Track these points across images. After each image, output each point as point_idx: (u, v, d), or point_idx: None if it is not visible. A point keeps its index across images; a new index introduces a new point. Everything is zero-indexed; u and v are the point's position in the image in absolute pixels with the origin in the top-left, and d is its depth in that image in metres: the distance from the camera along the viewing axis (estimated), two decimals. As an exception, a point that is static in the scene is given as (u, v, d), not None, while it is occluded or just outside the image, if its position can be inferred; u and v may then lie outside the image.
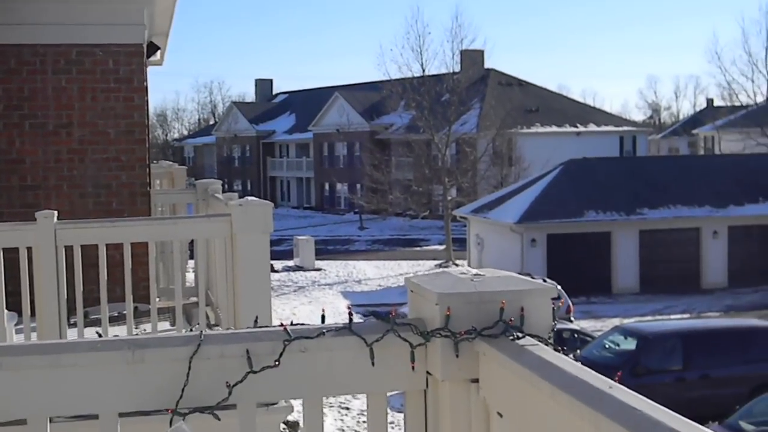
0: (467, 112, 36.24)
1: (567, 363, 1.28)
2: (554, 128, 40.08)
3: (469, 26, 56.07)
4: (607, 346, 13.52)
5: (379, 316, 1.55)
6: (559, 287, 16.03)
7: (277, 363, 1.47)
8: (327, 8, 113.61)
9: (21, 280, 3.90)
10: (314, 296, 23.60)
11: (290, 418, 4.55)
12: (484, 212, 25.66)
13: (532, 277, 1.78)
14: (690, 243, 24.64)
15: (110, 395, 1.46)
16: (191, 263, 6.19)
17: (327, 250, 32.45)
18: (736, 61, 64.35)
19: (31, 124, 5.80)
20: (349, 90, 48.64)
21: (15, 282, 3.95)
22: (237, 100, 63.83)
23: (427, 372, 1.54)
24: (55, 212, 3.95)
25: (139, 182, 5.94)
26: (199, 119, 72.71)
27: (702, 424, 1.15)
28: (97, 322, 4.12)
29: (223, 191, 5.96)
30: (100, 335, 3.59)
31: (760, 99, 39.42)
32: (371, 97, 44.62)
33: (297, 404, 2.97)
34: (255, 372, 1.46)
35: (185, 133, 71.05)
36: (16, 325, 4.16)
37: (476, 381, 1.49)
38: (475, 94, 38.34)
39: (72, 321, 4.07)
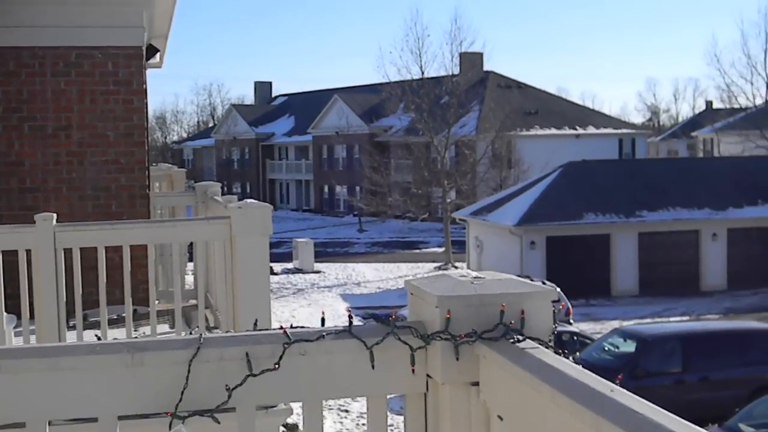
0: (466, 115, 36.30)
1: (568, 366, 1.27)
2: (553, 131, 40.12)
3: (469, 29, 56.18)
4: (606, 348, 13.52)
5: (379, 319, 1.55)
6: (558, 290, 16.03)
7: (276, 366, 1.47)
8: (326, 11, 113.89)
9: (20, 282, 3.90)
10: (313, 299, 23.59)
11: (290, 420, 4.54)
12: (484, 215, 25.68)
13: (532, 280, 1.78)
14: (689, 245, 24.65)
15: (109, 398, 1.46)
16: (190, 266, 6.19)
17: (326, 252, 32.44)
18: (735, 64, 64.63)
19: (30, 127, 5.80)
20: (348, 92, 48.69)
21: (14, 285, 3.94)
22: (236, 102, 63.86)
23: (428, 375, 1.54)
24: (54, 215, 3.94)
25: (139, 185, 5.94)
26: (198, 122, 72.75)
27: (702, 426, 1.15)
28: (96, 325, 4.12)
29: (223, 194, 5.96)
30: (99, 338, 3.58)
31: (759, 101, 39.51)
32: (370, 100, 44.67)
33: (296, 407, 2.96)
34: (255, 375, 1.46)
35: (184, 135, 71.07)
36: (15, 327, 4.15)
37: (476, 384, 1.49)
38: (474, 96, 38.41)
39: (71, 324, 4.06)
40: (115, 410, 1.47)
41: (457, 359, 1.47)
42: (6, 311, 3.94)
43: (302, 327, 1.56)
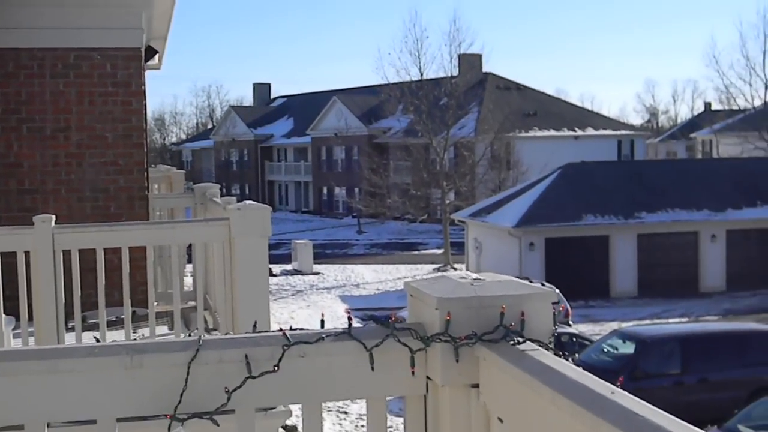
0: (465, 116, 36.32)
1: (568, 368, 1.27)
2: (552, 132, 40.15)
3: (467, 30, 56.17)
4: (605, 350, 13.51)
5: (379, 321, 1.55)
6: (557, 291, 16.01)
7: (276, 368, 1.47)
8: (325, 12, 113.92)
9: (19, 284, 3.89)
10: (312, 300, 23.58)
11: (289, 422, 4.53)
12: (483, 216, 25.68)
13: (531, 281, 1.77)
14: (688, 247, 24.65)
15: (108, 401, 1.46)
16: (189, 267, 6.18)
17: (325, 254, 32.43)
18: (734, 65, 64.66)
19: (28, 128, 5.79)
20: (347, 94, 48.71)
21: (13, 286, 3.93)
22: (235, 104, 63.84)
23: (427, 377, 1.54)
24: (53, 216, 3.94)
25: (137, 186, 5.93)
26: (197, 123, 72.69)
27: (701, 428, 1.15)
28: (95, 327, 4.11)
29: (221, 195, 5.96)
30: (98, 340, 3.58)
31: (757, 103, 39.53)
32: (369, 101, 44.69)
33: (295, 408, 2.96)
34: (254, 377, 1.46)
35: (183, 137, 71.03)
36: (13, 329, 4.14)
37: (476, 386, 1.49)
38: (473, 98, 38.43)
39: (70, 325, 4.06)
40: (113, 412, 1.47)
41: (457, 361, 1.46)
42: (5, 313, 3.93)
43: (301, 329, 1.56)
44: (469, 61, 38.84)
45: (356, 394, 1.60)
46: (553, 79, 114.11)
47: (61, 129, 5.82)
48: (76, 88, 5.80)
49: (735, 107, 41.67)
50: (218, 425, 1.46)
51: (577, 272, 23.04)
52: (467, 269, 25.97)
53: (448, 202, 31.83)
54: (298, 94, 58.57)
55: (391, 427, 9.40)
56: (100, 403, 1.46)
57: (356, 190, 43.22)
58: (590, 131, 41.05)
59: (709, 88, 67.86)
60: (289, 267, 28.37)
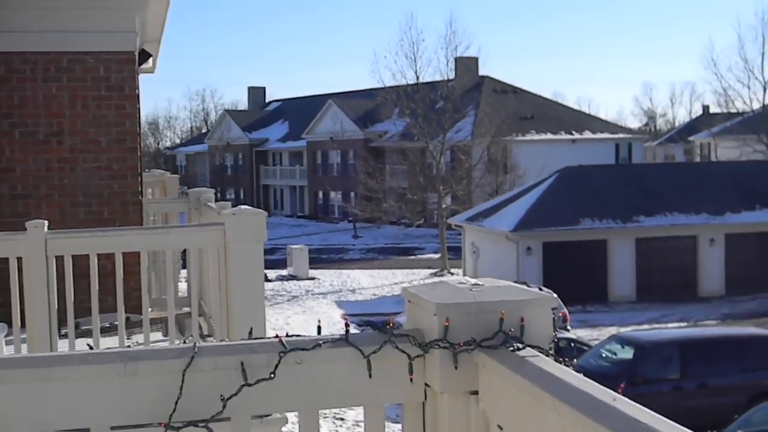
0: (462, 120, 36.34)
1: (569, 374, 1.26)
2: (549, 136, 40.19)
3: (464, 33, 56.11)
4: (604, 355, 13.45)
5: (376, 327, 1.53)
6: (555, 296, 16.01)
7: (272, 375, 1.45)
8: (320, 15, 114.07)
9: (11, 290, 3.85)
10: (308, 306, 23.51)
11: (285, 429, 4.50)
12: (480, 220, 25.64)
13: (528, 286, 1.76)
14: (687, 251, 24.58)
15: (102, 409, 1.44)
16: (184, 273, 6.15)
17: (321, 259, 32.39)
18: (732, 68, 64.46)
19: (21, 133, 5.76)
20: (342, 97, 48.75)
21: (5, 293, 3.90)
22: (230, 108, 63.86)
23: (426, 384, 1.52)
24: (46, 222, 3.91)
25: (131, 191, 5.90)
26: (191, 127, 72.61)
27: (702, 434, 1.13)
28: (88, 334, 4.07)
29: (216, 200, 5.93)
30: (91, 347, 3.54)
31: (756, 105, 39.53)
32: (365, 105, 44.71)
33: (291, 415, 2.93)
34: (250, 385, 1.44)
35: (177, 141, 70.91)
36: (6, 336, 4.10)
37: (476, 393, 1.47)
38: (469, 101, 38.45)
39: (63, 332, 4.02)
40: (107, 421, 1.45)
41: (456, 368, 1.45)
42: (-3, 319, 3.89)
43: (298, 335, 1.54)
44: (466, 65, 38.91)
45: (354, 401, 1.58)
46: (550, 83, 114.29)
47: (54, 133, 5.79)
48: (69, 91, 5.77)
49: (733, 110, 41.70)
50: (213, 434, 1.44)
51: (575, 277, 22.98)
52: (464, 274, 25.95)
53: (444, 206, 31.82)
54: (294, 98, 58.58)
55: (387, 432, 9.33)
56: (93, 411, 1.44)
57: (352, 194, 43.21)
58: (588, 135, 41.10)
59: (707, 91, 67.77)
60: (284, 272, 28.31)
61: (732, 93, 41.82)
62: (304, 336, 1.54)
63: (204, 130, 65.82)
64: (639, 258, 24.13)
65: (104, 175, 5.84)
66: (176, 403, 1.42)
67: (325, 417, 12.06)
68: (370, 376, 1.49)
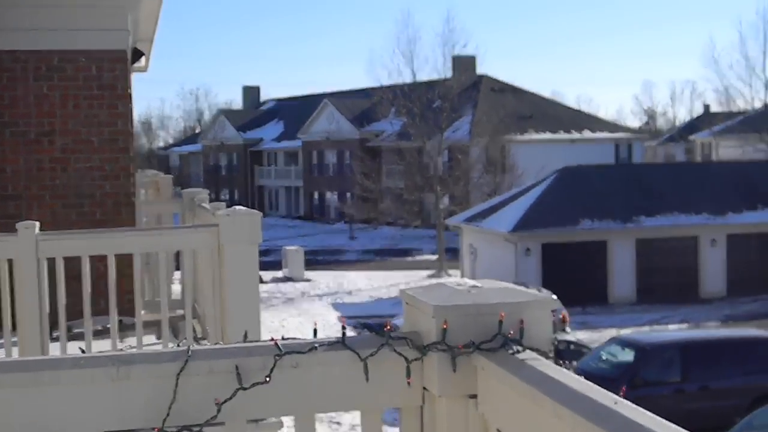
0: (459, 119, 36.27)
1: (570, 378, 1.24)
2: (548, 135, 40.04)
3: (461, 31, 55.77)
4: (604, 357, 13.34)
5: (373, 330, 1.52)
6: (554, 297, 16.03)
7: (267, 379, 1.43)
8: (316, 14, 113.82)
9: (1, 293, 3.82)
10: (304, 308, 23.44)
11: None
12: (478, 221, 25.53)
13: (527, 287, 1.74)
14: (688, 251, 24.36)
15: (94, 413, 1.42)
16: (177, 275, 6.11)
17: (317, 260, 32.30)
18: (733, 66, 63.81)
19: (11, 132, 5.71)
20: (338, 97, 48.67)
21: (-4, 295, 3.85)
22: (224, 107, 63.65)
23: (424, 387, 1.51)
24: (37, 223, 3.87)
25: (124, 192, 5.86)
26: (185, 127, 72.32)
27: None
28: (80, 337, 4.04)
29: (210, 201, 5.90)
30: (83, 350, 3.51)
31: (758, 104, 39.22)
32: (361, 104, 44.65)
33: (287, 420, 2.91)
34: (245, 388, 1.43)
35: (171, 141, 70.65)
36: (-4, 339, 4.06)
37: (474, 397, 1.46)
38: (467, 100, 38.31)
39: (54, 335, 3.98)
40: (100, 426, 1.44)
41: (455, 371, 1.43)
42: (-13, 322, 3.85)
43: (293, 338, 1.52)
44: (463, 63, 38.80)
45: (350, 405, 1.57)
46: (549, 81, 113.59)
47: (45, 133, 5.74)
48: (60, 91, 5.72)
49: (734, 109, 41.37)
50: (208, 439, 1.42)
51: (575, 278, 22.78)
52: (462, 275, 25.90)
53: (442, 206, 31.77)
54: (289, 98, 58.47)
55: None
56: (85, 416, 1.42)
57: (348, 195, 43.12)
58: (587, 134, 40.94)
59: (708, 90, 66.78)
60: (279, 274, 28.23)
61: (733, 91, 41.41)
62: (300, 339, 1.52)
63: (198, 130, 65.58)
64: (639, 259, 23.94)
65: (96, 176, 5.79)
66: (170, 407, 1.40)
67: (321, 421, 12.02)
68: (367, 379, 1.47)
